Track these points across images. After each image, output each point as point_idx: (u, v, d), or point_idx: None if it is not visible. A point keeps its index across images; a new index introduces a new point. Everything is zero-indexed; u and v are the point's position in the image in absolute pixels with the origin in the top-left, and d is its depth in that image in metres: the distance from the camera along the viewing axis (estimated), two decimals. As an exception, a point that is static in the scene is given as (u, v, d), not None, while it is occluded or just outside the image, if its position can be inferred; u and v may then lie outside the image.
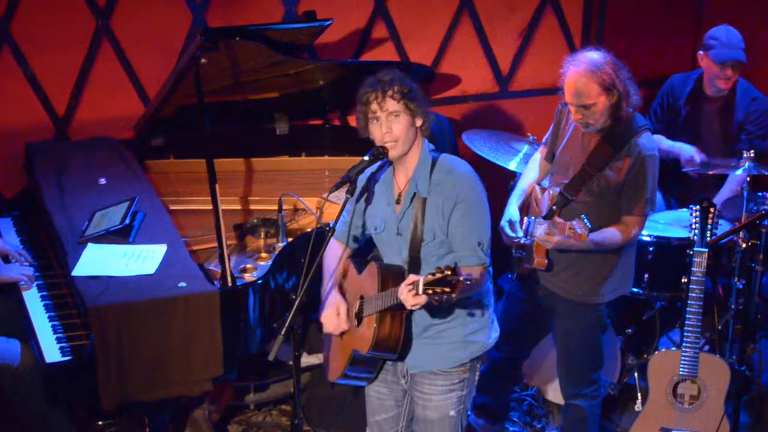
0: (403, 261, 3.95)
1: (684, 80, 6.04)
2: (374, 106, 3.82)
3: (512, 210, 4.64)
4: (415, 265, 3.92)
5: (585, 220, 4.18)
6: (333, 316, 3.99)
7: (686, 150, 5.79)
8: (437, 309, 3.89)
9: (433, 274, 3.54)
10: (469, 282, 3.53)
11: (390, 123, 3.81)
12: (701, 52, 5.77)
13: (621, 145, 4.42)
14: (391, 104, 3.80)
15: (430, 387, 4.01)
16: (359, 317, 3.98)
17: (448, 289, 3.51)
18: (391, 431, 4.23)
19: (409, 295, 3.59)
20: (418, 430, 4.14)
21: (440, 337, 3.94)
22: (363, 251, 4.31)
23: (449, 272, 3.51)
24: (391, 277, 3.88)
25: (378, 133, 3.84)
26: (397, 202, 3.94)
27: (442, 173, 3.89)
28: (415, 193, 3.89)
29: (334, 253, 4.14)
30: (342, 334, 4.04)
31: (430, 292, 3.53)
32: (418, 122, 3.86)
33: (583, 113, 4.37)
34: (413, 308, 3.66)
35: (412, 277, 3.62)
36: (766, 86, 6.12)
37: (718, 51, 5.69)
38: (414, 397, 4.09)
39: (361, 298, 3.98)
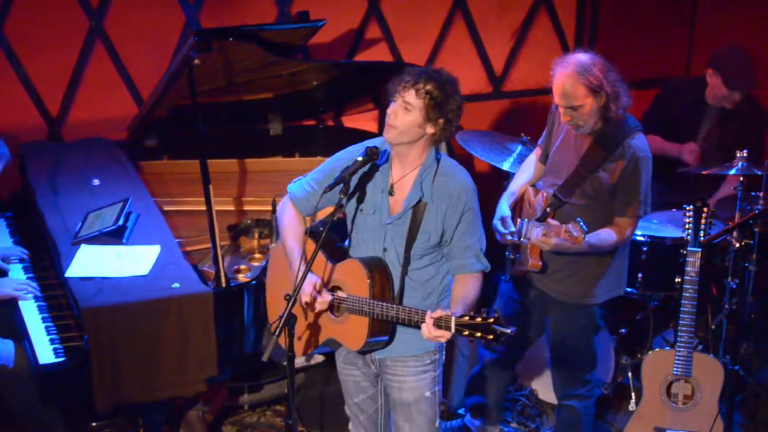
0: (381, 249, 3.92)
1: (683, 85, 6.03)
2: (400, 88, 3.78)
3: (503, 207, 4.64)
4: (406, 263, 3.90)
5: (581, 223, 4.18)
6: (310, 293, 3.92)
7: (683, 149, 5.82)
8: (414, 303, 3.89)
9: (471, 317, 3.54)
10: (511, 333, 3.52)
11: (398, 110, 3.78)
12: (711, 71, 5.75)
13: (614, 147, 4.42)
14: (410, 96, 3.75)
15: (402, 369, 4.01)
16: (333, 308, 3.96)
17: (491, 337, 3.51)
18: (371, 409, 4.22)
19: (436, 330, 3.60)
20: (396, 414, 4.12)
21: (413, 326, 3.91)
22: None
23: (492, 320, 3.50)
24: (379, 279, 3.85)
25: (388, 111, 3.83)
26: (390, 193, 3.93)
27: (445, 178, 3.87)
28: (420, 199, 3.86)
29: (295, 225, 4.07)
30: (308, 312, 4.01)
31: (466, 333, 3.54)
32: (429, 129, 3.79)
33: (571, 115, 4.38)
34: (433, 341, 3.68)
35: (438, 312, 3.62)
36: (764, 90, 6.13)
37: (730, 76, 5.67)
38: (387, 381, 4.07)
39: (337, 288, 3.95)
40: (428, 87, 3.74)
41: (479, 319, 3.53)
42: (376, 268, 3.87)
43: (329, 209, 3.95)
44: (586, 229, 4.18)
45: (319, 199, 3.91)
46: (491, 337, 3.51)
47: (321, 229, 3.92)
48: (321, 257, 4.01)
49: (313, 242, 4.00)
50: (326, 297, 3.91)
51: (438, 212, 3.86)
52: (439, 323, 3.60)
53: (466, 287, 3.86)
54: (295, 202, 4.10)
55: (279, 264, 4.16)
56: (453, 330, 3.57)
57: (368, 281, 3.83)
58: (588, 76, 4.29)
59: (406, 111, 3.77)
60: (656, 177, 4.57)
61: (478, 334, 3.52)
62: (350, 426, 4.34)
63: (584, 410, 4.88)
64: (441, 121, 3.78)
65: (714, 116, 5.87)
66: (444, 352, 4.10)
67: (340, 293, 3.94)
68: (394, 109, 3.79)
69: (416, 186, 3.87)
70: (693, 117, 5.92)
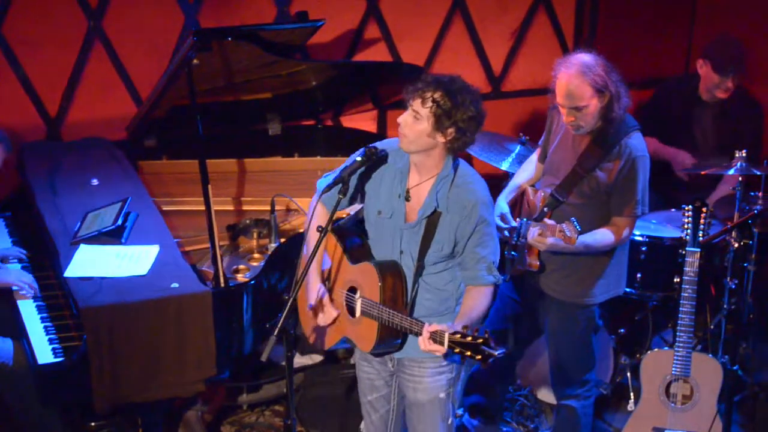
0: (398, 252, 3.93)
1: (680, 83, 6.01)
2: (409, 96, 3.76)
3: (502, 204, 4.64)
4: (421, 269, 3.91)
5: (575, 223, 4.18)
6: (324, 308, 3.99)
7: (678, 155, 5.80)
8: (430, 306, 3.94)
9: (463, 335, 3.55)
10: (498, 355, 3.54)
11: (408, 118, 3.76)
12: (701, 61, 5.74)
13: (611, 147, 4.42)
14: (417, 104, 3.72)
15: (419, 369, 4.02)
16: (350, 308, 3.99)
17: (479, 357, 3.53)
18: (383, 409, 4.24)
19: (431, 344, 3.63)
20: (410, 413, 4.15)
21: None
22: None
23: (481, 340, 3.52)
24: (392, 284, 3.86)
25: (398, 120, 3.82)
26: (407, 198, 3.92)
27: (460, 190, 3.85)
28: (435, 209, 3.85)
29: (316, 220, 4.05)
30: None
31: (458, 350, 3.56)
32: (440, 138, 3.75)
33: (575, 115, 4.37)
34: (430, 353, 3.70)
35: (433, 326, 3.64)
36: (760, 88, 6.13)
37: (720, 62, 5.64)
38: (403, 380, 4.09)
39: (353, 289, 3.98)
40: (436, 95, 3.70)
41: (469, 338, 3.54)
42: (389, 273, 3.88)
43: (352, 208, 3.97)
44: (579, 228, 4.18)
45: (318, 199, 3.91)
46: (479, 357, 3.53)
47: (320, 227, 3.91)
48: (342, 256, 4.04)
49: (333, 237, 4.04)
50: (330, 313, 3.97)
51: (452, 223, 3.85)
52: (434, 337, 3.63)
53: (474, 301, 3.87)
54: (326, 203, 4.07)
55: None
56: (446, 346, 3.59)
57: (379, 286, 3.84)
58: (593, 75, 4.29)
59: (416, 120, 3.74)
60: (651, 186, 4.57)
61: (468, 353, 3.54)
62: (362, 425, 4.36)
63: (583, 410, 4.88)
64: (451, 130, 3.73)
65: (710, 113, 5.86)
66: None
67: (357, 295, 3.97)
68: (404, 118, 3.77)
69: (432, 196, 3.86)
70: (689, 115, 5.91)
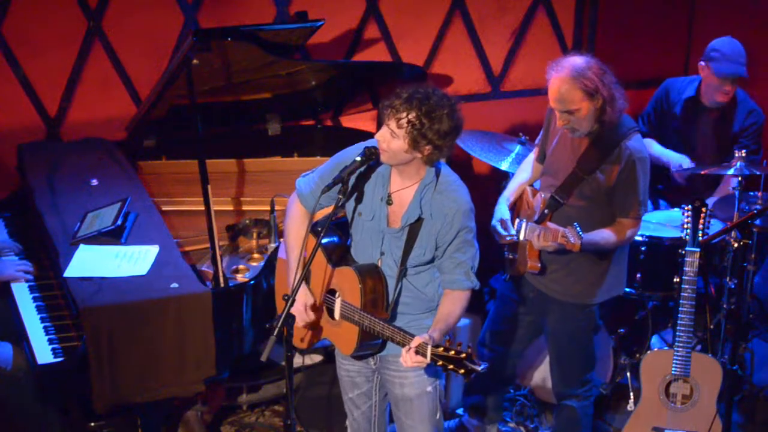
0: (378, 253, 3.95)
1: (681, 85, 6.00)
2: (385, 114, 3.76)
3: (502, 209, 4.64)
4: (402, 274, 3.93)
5: (578, 228, 4.19)
6: (301, 311, 3.99)
7: (675, 159, 5.78)
8: (411, 306, 3.97)
9: (446, 349, 3.57)
10: (481, 371, 3.55)
11: (385, 134, 3.77)
12: (702, 63, 5.67)
13: (611, 149, 4.42)
14: (393, 125, 3.73)
15: None
16: (330, 310, 4.00)
17: (462, 371, 3.54)
18: (364, 406, 4.26)
19: (414, 356, 3.63)
20: (397, 409, 4.15)
21: (409, 327, 3.90)
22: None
23: (464, 355, 3.53)
24: (372, 289, 3.88)
25: (376, 136, 3.83)
26: (389, 202, 3.94)
27: (442, 196, 3.87)
28: (419, 216, 3.87)
29: (298, 221, 4.09)
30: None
31: (440, 363, 3.58)
32: (417, 154, 3.78)
33: (567, 119, 4.37)
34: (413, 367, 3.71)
35: (417, 340, 3.64)
36: (760, 89, 6.12)
37: (719, 64, 5.58)
38: (388, 376, 4.10)
39: (333, 292, 3.99)
40: (411, 116, 3.70)
41: (452, 353, 3.56)
42: (369, 277, 3.90)
43: (331, 207, 3.96)
44: (582, 234, 4.19)
45: (318, 199, 3.91)
46: (462, 371, 3.55)
47: (319, 229, 3.93)
48: (322, 259, 4.03)
49: (313, 239, 4.02)
50: (309, 317, 3.98)
51: (432, 229, 3.87)
52: (417, 350, 3.64)
53: (452, 306, 3.90)
54: (300, 198, 4.10)
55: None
56: (428, 359, 3.61)
57: (360, 292, 3.86)
58: (584, 79, 4.28)
59: (393, 138, 3.76)
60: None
61: (450, 366, 3.56)
62: (347, 422, 4.36)
63: (583, 410, 4.89)
64: (428, 147, 3.75)
65: (710, 117, 5.84)
66: None
67: (337, 299, 3.98)
68: (382, 134, 3.79)
69: (416, 203, 3.88)
70: (689, 118, 5.89)
